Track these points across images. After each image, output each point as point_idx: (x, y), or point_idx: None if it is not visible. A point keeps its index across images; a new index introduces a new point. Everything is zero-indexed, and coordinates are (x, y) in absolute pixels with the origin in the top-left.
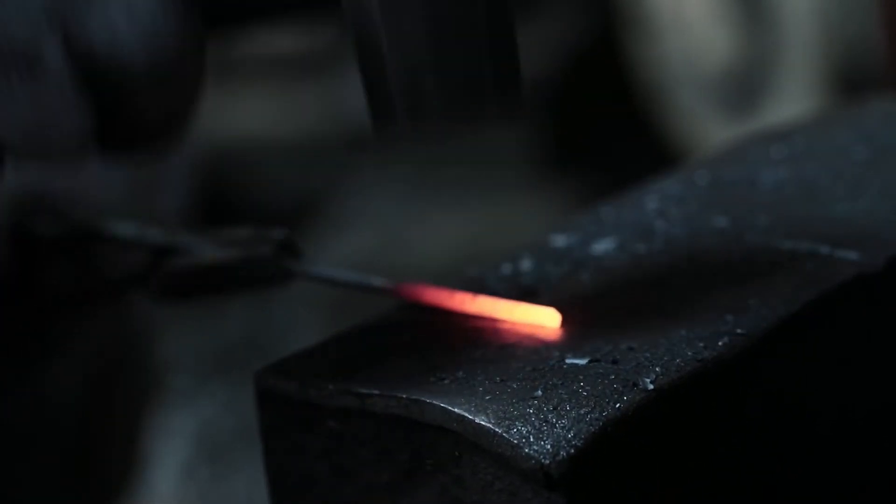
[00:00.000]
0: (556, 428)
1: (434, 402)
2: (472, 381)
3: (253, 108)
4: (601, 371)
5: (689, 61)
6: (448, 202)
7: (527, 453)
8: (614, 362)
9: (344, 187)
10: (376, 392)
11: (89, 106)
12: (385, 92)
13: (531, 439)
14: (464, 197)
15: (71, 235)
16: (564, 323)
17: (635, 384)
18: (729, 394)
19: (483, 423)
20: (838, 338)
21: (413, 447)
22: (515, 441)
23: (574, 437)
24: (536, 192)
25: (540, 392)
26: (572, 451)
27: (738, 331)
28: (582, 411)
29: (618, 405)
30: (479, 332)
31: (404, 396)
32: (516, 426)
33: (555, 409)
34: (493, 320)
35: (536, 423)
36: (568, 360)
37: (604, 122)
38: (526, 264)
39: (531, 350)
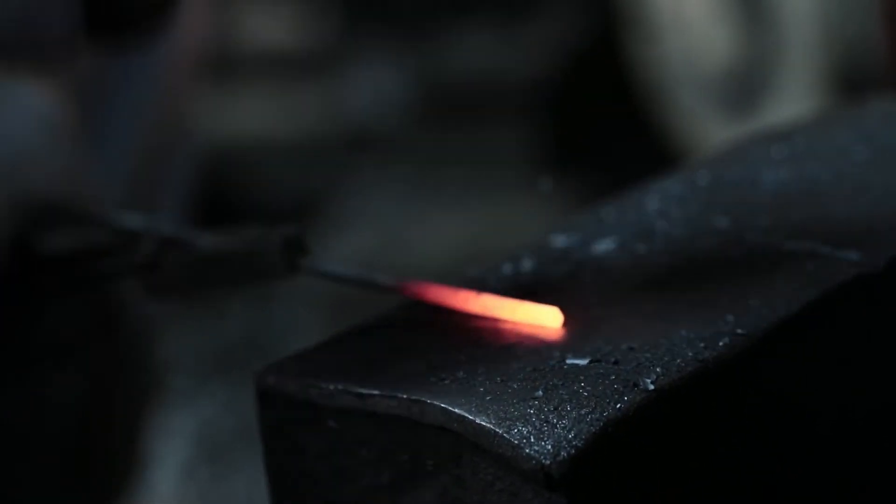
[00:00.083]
0: (556, 428)
1: (434, 402)
2: (472, 382)
3: (253, 108)
4: (602, 371)
5: (689, 61)
6: (448, 202)
7: (527, 454)
8: (615, 363)
9: (344, 187)
10: (376, 392)
11: None
12: None
13: (532, 440)
14: (464, 197)
15: (74, 255)
16: (565, 323)
17: (636, 384)
18: (729, 394)
19: (484, 423)
20: (838, 338)
21: (413, 447)
22: (516, 441)
23: (575, 437)
24: (536, 192)
25: (541, 392)
26: (573, 451)
27: (739, 331)
28: (582, 412)
29: (618, 405)
30: (480, 333)
31: (405, 396)
32: (517, 426)
33: (555, 409)
34: (494, 320)
35: (537, 424)
36: (569, 361)
37: (604, 122)
38: (526, 264)
39: (532, 350)
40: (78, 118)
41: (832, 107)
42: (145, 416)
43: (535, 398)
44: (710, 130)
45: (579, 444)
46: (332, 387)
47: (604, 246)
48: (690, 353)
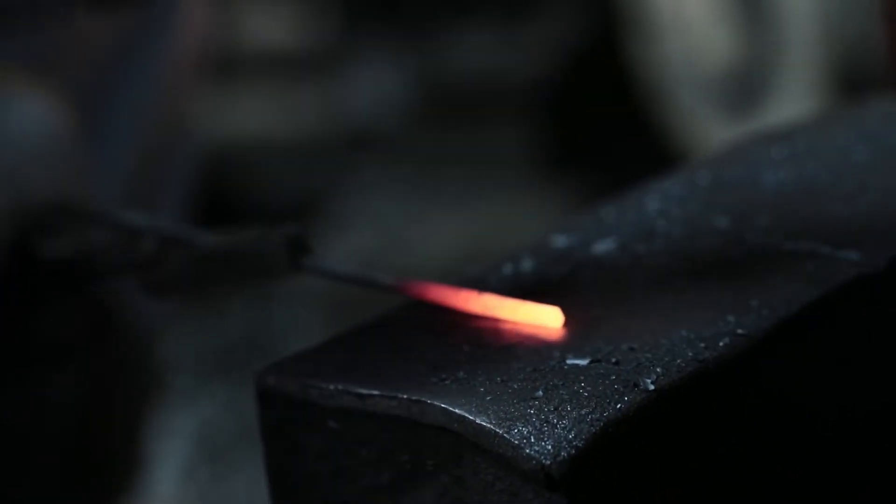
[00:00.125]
0: (556, 428)
1: (435, 402)
2: (472, 382)
3: (253, 108)
4: (602, 371)
5: (689, 61)
6: (448, 202)
7: (528, 454)
8: (615, 363)
9: (344, 187)
10: (376, 392)
11: None
12: None
13: (532, 440)
14: (464, 197)
15: (73, 261)
16: (565, 323)
17: (636, 385)
18: (729, 394)
19: (484, 423)
20: (838, 338)
21: (413, 447)
22: (516, 442)
23: (575, 437)
24: (536, 191)
25: (541, 392)
26: (573, 451)
27: (739, 331)
28: (583, 412)
29: (619, 406)
30: (480, 333)
31: (405, 397)
32: (517, 427)
33: (556, 409)
34: (494, 320)
35: (537, 424)
36: (569, 361)
37: (604, 122)
38: (526, 264)
39: (532, 350)
40: (77, 119)
41: (832, 107)
42: (145, 417)
43: (536, 398)
44: (710, 130)
45: (579, 445)
46: (332, 387)
47: (604, 246)
48: (691, 354)
